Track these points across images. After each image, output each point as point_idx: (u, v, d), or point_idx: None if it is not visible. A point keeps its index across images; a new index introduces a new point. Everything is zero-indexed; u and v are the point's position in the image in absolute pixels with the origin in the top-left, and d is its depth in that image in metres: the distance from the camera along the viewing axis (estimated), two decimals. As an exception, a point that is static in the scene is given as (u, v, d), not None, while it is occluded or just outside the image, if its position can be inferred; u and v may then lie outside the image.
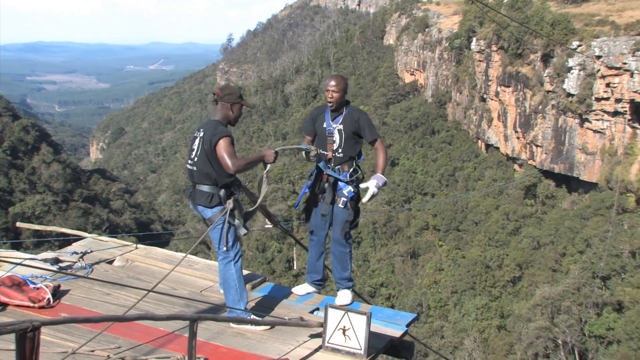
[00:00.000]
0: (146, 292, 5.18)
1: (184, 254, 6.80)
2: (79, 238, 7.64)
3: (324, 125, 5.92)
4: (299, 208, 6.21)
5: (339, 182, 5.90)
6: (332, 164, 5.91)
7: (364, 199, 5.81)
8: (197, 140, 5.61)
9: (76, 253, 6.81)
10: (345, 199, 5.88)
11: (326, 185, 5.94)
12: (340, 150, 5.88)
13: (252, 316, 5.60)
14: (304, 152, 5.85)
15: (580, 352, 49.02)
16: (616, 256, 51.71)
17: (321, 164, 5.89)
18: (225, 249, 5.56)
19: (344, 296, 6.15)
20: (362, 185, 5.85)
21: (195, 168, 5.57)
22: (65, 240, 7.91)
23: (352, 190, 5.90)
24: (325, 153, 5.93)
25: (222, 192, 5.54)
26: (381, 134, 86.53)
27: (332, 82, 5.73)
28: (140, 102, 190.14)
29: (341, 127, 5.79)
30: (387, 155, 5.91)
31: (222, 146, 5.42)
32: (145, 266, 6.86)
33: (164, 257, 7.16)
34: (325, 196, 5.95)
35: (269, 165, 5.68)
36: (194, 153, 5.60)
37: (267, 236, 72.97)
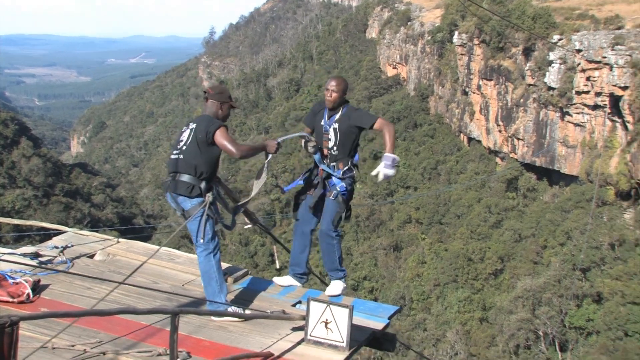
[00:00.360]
0: (117, 284, 5.16)
1: (162, 247, 6.79)
2: (59, 232, 7.58)
3: (322, 123, 6.08)
4: (286, 191, 6.49)
5: (332, 178, 6.04)
6: (328, 161, 6.06)
7: (378, 179, 5.91)
8: (187, 132, 5.72)
9: (56, 247, 6.76)
10: (337, 192, 5.99)
11: (319, 179, 6.09)
12: (335, 147, 6.03)
13: (233, 308, 5.62)
14: (303, 141, 6.00)
15: (560, 343, 49.50)
16: (596, 248, 52.25)
17: (316, 158, 6.04)
18: (202, 240, 5.60)
19: (335, 287, 6.20)
20: (372, 173, 5.95)
21: (182, 157, 5.64)
22: (46, 235, 7.84)
23: (345, 186, 6.03)
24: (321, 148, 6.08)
25: (203, 184, 5.61)
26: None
27: (333, 83, 5.91)
28: (121, 95, 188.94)
29: (336, 125, 5.94)
30: (394, 131, 6.07)
31: (222, 135, 5.55)
32: (127, 260, 6.83)
33: (146, 251, 7.13)
34: (316, 191, 6.09)
35: (270, 156, 5.78)
36: (182, 143, 5.69)
37: (250, 230, 72.85)
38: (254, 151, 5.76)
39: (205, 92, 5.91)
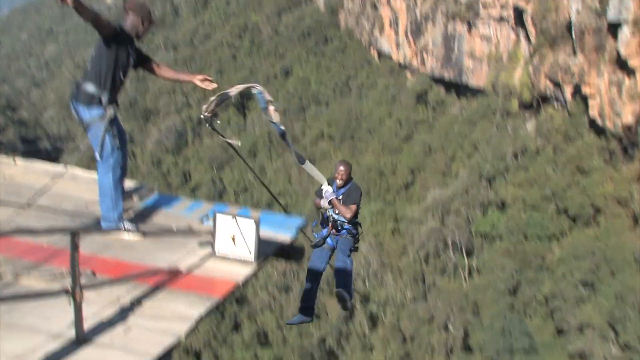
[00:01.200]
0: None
1: (66, 167, 6.57)
2: (-52, 157, 7.18)
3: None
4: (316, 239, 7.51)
5: (344, 228, 7.45)
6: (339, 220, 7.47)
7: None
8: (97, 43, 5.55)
9: (-54, 171, 6.42)
10: (347, 232, 7.42)
11: (329, 239, 7.45)
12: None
13: (127, 225, 5.54)
14: (326, 192, 7.22)
15: (467, 249, 51.91)
16: (501, 158, 54.27)
17: (331, 211, 7.34)
18: (100, 155, 5.47)
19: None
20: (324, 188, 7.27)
21: (89, 66, 5.52)
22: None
23: (354, 231, 7.51)
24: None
25: (105, 95, 5.45)
26: (274, 44, 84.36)
27: (341, 168, 7.29)
28: (16, 11, 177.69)
29: (341, 197, 7.31)
30: (350, 214, 7.32)
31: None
32: (26, 182, 6.56)
33: (47, 171, 6.86)
34: (329, 243, 7.44)
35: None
36: (91, 53, 5.56)
37: (162, 150, 71.78)
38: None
39: (125, 3, 5.69)
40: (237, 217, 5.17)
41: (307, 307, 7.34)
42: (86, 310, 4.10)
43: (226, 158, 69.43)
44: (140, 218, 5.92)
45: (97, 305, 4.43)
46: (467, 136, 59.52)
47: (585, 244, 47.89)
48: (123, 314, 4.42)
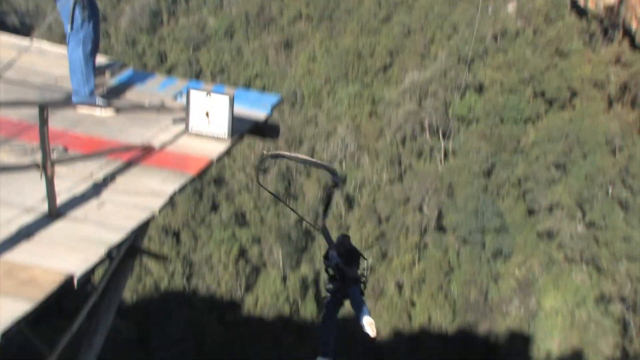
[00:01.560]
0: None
1: (33, 40, 6.36)
2: None
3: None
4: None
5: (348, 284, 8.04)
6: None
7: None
8: None
9: None
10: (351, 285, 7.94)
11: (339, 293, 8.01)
12: None
13: (99, 100, 5.43)
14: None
15: (443, 132, 52.25)
16: (480, 41, 53.66)
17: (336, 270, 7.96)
18: (70, 28, 5.27)
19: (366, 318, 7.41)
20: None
21: None
22: None
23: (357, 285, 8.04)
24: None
25: None
26: None
27: (344, 238, 8.10)
28: None
29: (343, 260, 7.88)
30: (351, 274, 7.84)
31: None
32: (-8, 56, 6.35)
33: (12, 44, 6.64)
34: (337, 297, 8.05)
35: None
36: None
37: (137, 29, 69.94)
38: None
39: None
40: (211, 94, 5.10)
41: (327, 351, 8.05)
42: (59, 185, 4.09)
43: (202, 38, 67.93)
44: (113, 94, 5.82)
45: (70, 180, 4.41)
46: (446, 17, 58.50)
47: (559, 126, 48.44)
48: (96, 189, 4.42)
